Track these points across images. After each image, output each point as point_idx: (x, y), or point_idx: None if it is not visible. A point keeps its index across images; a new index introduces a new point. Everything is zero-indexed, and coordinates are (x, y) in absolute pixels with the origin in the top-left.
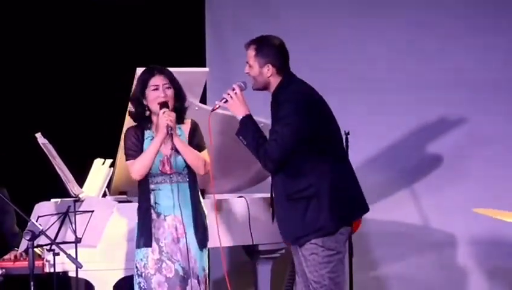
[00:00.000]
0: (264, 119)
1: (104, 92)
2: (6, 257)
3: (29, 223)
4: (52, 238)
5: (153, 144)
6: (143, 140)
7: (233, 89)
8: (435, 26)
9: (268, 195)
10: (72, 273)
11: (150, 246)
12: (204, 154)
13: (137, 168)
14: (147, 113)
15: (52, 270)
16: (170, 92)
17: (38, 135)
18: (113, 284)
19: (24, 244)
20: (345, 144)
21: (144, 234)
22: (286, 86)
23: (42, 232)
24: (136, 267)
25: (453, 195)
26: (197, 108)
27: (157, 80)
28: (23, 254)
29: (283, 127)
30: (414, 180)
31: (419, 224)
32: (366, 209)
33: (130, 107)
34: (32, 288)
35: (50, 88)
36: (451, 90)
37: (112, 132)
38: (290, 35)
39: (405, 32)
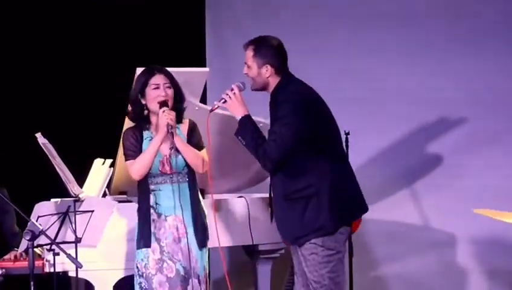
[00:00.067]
0: (263, 119)
1: (104, 92)
2: (6, 257)
3: (29, 223)
4: (52, 238)
5: (153, 143)
6: (142, 140)
7: (232, 90)
8: (435, 26)
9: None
10: (72, 273)
11: (149, 246)
12: (203, 153)
13: (137, 168)
14: (145, 112)
15: (52, 270)
16: (170, 92)
17: (38, 135)
18: (113, 284)
19: (24, 244)
20: (345, 144)
21: (144, 235)
22: (285, 86)
23: (42, 232)
24: (137, 267)
25: (453, 195)
26: (197, 108)
27: (158, 79)
28: (23, 254)
29: (282, 127)
30: (414, 180)
31: (419, 224)
32: (365, 209)
33: (128, 108)
34: (32, 288)
35: (50, 88)
36: (452, 91)
37: (112, 132)
38: (290, 35)
39: (405, 33)
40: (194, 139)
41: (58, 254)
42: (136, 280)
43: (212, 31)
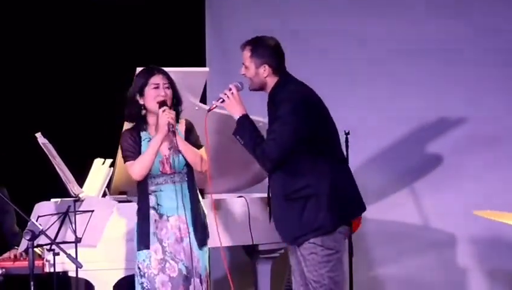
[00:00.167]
0: (262, 119)
1: (104, 92)
2: (6, 255)
3: (29, 223)
4: (52, 238)
5: (153, 143)
6: (140, 141)
7: (230, 89)
8: (435, 26)
9: None
10: (72, 273)
11: (149, 248)
12: (202, 151)
13: (138, 168)
14: (143, 112)
15: (52, 270)
16: (169, 92)
17: (38, 135)
18: (113, 284)
19: (24, 244)
20: (344, 144)
21: (144, 237)
22: (283, 86)
23: (42, 232)
24: (139, 267)
25: (453, 195)
26: (197, 108)
27: (158, 79)
28: (23, 253)
29: (281, 126)
30: (414, 180)
31: (419, 224)
32: (363, 208)
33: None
34: (32, 288)
35: (50, 88)
36: (452, 90)
37: (112, 132)
38: (290, 34)
39: (405, 33)
40: (192, 138)
41: (58, 254)
42: (138, 280)
43: (212, 31)
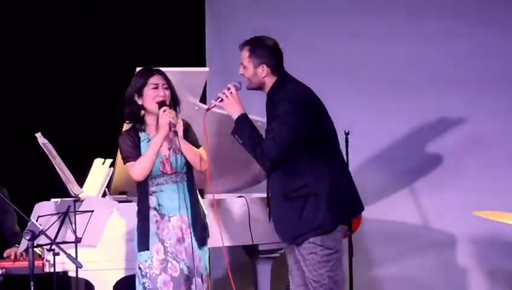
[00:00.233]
0: (260, 118)
1: (104, 92)
2: (7, 251)
3: (29, 223)
4: (52, 238)
5: (155, 143)
6: (139, 142)
7: (229, 89)
8: (435, 25)
9: None
10: (72, 273)
11: (148, 249)
12: (201, 151)
13: (139, 169)
14: (142, 112)
15: (52, 270)
16: (168, 93)
17: (38, 135)
18: (113, 284)
19: (24, 244)
20: (344, 144)
21: (144, 238)
22: (281, 85)
23: (42, 232)
24: (140, 268)
25: (453, 195)
26: (196, 108)
27: (157, 79)
28: (23, 253)
29: (280, 126)
30: (414, 180)
31: (419, 224)
32: (361, 208)
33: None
34: (32, 288)
35: (50, 88)
36: (451, 90)
37: (112, 132)
38: (290, 34)
39: (405, 32)
40: (190, 138)
41: (58, 254)
42: (139, 280)
43: (212, 31)
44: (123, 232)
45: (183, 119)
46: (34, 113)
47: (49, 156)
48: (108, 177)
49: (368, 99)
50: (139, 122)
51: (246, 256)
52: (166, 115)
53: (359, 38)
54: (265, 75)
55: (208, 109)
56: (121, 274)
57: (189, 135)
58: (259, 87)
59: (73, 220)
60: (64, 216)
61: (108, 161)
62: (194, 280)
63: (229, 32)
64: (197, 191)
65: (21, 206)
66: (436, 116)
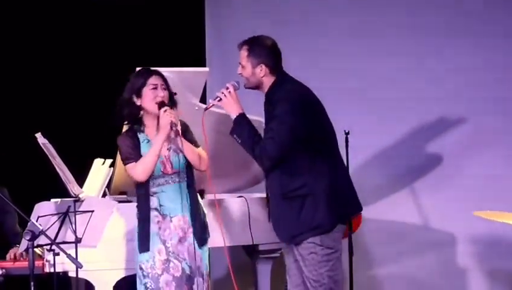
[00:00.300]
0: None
1: (104, 92)
2: (10, 252)
3: (29, 223)
4: (52, 238)
5: (156, 143)
6: (139, 143)
7: (227, 88)
8: (435, 25)
9: None
10: (72, 273)
11: (149, 250)
12: (200, 150)
13: (141, 169)
14: (141, 113)
15: (52, 270)
16: (166, 94)
17: (38, 135)
18: (113, 284)
19: (24, 244)
20: (344, 143)
21: (145, 240)
22: (280, 85)
23: (42, 232)
24: (141, 268)
25: (453, 195)
26: (196, 108)
27: (156, 80)
28: (23, 253)
29: (279, 125)
30: (414, 179)
31: (419, 224)
32: (360, 208)
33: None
34: (32, 288)
35: (50, 88)
36: (451, 90)
37: (112, 132)
38: (290, 34)
39: (405, 32)
40: (189, 138)
41: (58, 254)
42: (141, 280)
43: (212, 31)
44: (123, 232)
45: (180, 120)
46: (34, 113)
47: (49, 156)
48: (108, 177)
49: (368, 99)
50: (137, 124)
51: (246, 256)
52: (168, 115)
53: (359, 38)
54: (263, 74)
55: (206, 108)
56: (121, 274)
57: (187, 135)
58: (258, 86)
59: (73, 220)
60: (64, 216)
61: (108, 161)
62: (195, 279)
63: (229, 32)
64: (196, 190)
65: (21, 206)
66: (436, 116)
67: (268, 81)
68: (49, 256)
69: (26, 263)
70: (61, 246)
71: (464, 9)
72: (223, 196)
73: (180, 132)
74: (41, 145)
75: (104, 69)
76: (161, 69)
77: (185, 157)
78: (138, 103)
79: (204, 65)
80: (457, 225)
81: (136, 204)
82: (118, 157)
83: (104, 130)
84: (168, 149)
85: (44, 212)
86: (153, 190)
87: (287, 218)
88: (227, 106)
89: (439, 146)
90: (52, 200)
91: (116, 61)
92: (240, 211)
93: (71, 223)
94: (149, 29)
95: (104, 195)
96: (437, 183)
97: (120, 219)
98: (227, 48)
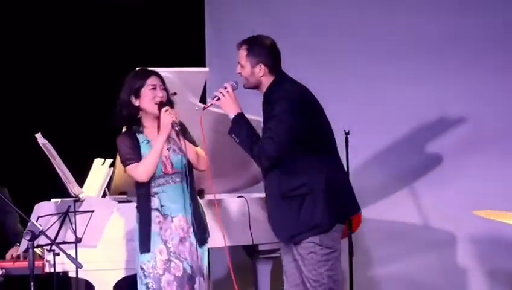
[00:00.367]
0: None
1: (104, 92)
2: (9, 252)
3: (29, 223)
4: (52, 238)
5: (158, 143)
6: (139, 144)
7: (226, 88)
8: (435, 25)
9: None
10: (72, 274)
11: (150, 250)
12: (199, 150)
13: (143, 170)
14: (140, 114)
15: (52, 270)
16: (164, 94)
17: (38, 135)
18: (113, 284)
19: (24, 244)
20: (344, 144)
21: (146, 240)
22: (278, 85)
23: (42, 232)
24: (142, 268)
25: (453, 194)
26: (196, 108)
27: (154, 80)
28: (21, 254)
29: (277, 125)
30: (414, 179)
31: (419, 224)
32: (358, 208)
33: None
34: (32, 288)
35: (50, 88)
36: (452, 90)
37: (112, 132)
38: (289, 34)
39: (405, 32)
40: (188, 138)
41: (58, 254)
42: (142, 281)
43: (212, 31)
44: (123, 233)
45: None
46: (34, 113)
47: (49, 156)
48: (108, 177)
49: (368, 99)
50: (136, 124)
51: (246, 256)
52: (169, 115)
53: (359, 38)
54: (262, 74)
55: (205, 108)
56: (121, 274)
57: (186, 135)
58: (257, 86)
59: (73, 221)
60: (64, 216)
61: (108, 161)
62: (197, 279)
63: (229, 32)
64: (195, 190)
65: (21, 206)
66: (436, 116)
67: (267, 80)
68: (49, 256)
69: (26, 263)
70: (61, 246)
71: (463, 10)
72: (222, 196)
73: (179, 132)
74: (41, 145)
75: (104, 69)
76: (161, 69)
77: (185, 157)
78: (137, 103)
79: (204, 65)
80: (457, 225)
81: (135, 204)
82: (118, 157)
83: (104, 130)
84: (168, 149)
85: (44, 213)
86: (153, 190)
87: (286, 218)
88: (226, 106)
89: (439, 146)
90: (52, 200)
91: (116, 61)
92: (239, 211)
93: (71, 223)
94: (149, 29)
95: (104, 195)
96: (437, 183)
97: (120, 219)
98: (227, 48)
